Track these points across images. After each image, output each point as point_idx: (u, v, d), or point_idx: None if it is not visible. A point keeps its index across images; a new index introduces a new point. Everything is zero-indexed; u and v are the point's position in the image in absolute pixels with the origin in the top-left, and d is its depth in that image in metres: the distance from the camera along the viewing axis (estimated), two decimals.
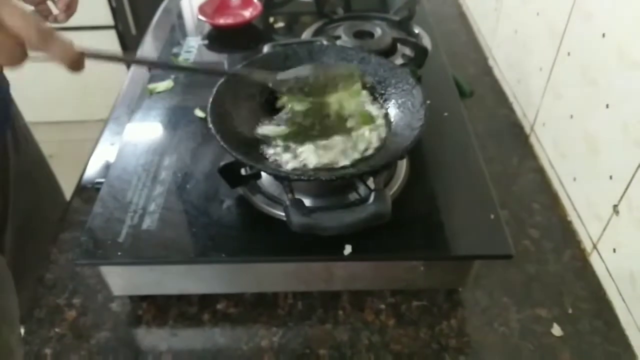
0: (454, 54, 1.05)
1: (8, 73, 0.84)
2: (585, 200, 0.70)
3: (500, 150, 0.85)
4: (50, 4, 0.74)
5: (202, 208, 0.60)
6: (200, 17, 0.93)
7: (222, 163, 0.57)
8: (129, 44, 1.89)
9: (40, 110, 2.07)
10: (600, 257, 0.66)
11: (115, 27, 1.85)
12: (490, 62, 1.04)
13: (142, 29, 1.60)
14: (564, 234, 0.72)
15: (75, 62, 0.49)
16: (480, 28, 1.11)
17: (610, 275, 0.64)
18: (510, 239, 0.56)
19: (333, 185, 0.60)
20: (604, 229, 0.65)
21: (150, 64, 0.87)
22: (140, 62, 0.86)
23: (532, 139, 0.86)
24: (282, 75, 0.60)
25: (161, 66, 0.84)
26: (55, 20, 0.74)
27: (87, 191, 0.74)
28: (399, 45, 0.86)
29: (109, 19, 1.84)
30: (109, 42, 1.87)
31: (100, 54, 0.52)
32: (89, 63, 0.48)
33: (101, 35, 1.85)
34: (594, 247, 0.67)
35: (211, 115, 0.57)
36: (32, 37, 0.45)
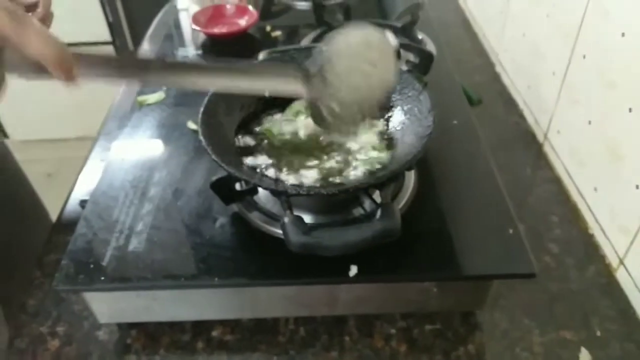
0: (458, 61, 1.01)
1: None
2: (608, 211, 0.65)
3: (512, 160, 0.81)
4: None
5: (194, 227, 0.55)
6: (194, 26, 0.89)
7: (214, 177, 0.52)
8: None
9: (38, 128, 2.05)
10: (628, 272, 0.61)
11: (113, 42, 1.83)
12: (498, 69, 1.00)
13: (139, 44, 1.58)
14: (586, 249, 0.67)
15: (64, 63, 0.40)
16: (486, 33, 1.07)
17: None
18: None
19: (336, 200, 0.55)
20: (632, 242, 0.60)
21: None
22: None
23: (546, 148, 0.81)
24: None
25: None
26: None
27: (74, 210, 0.69)
28: (402, 52, 0.82)
29: (106, 35, 1.82)
30: None
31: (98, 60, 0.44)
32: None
33: (99, 51, 1.83)
34: (621, 262, 0.62)
35: (202, 126, 0.53)
36: (6, 28, 0.37)
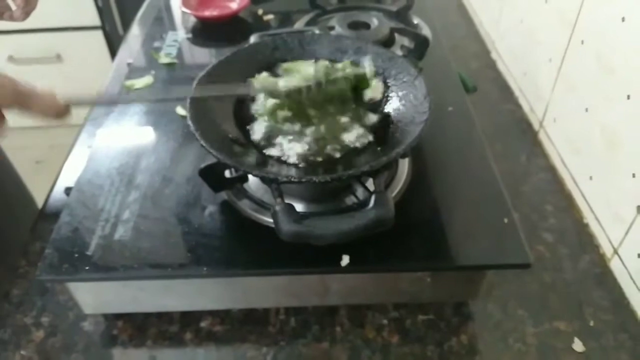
0: (454, 47, 0.99)
1: None
2: (604, 200, 0.64)
3: (507, 148, 0.80)
4: (9, 0, 0.68)
5: (182, 215, 0.53)
6: (184, 9, 0.87)
7: (203, 164, 0.51)
8: (115, 44, 1.83)
9: None
10: (622, 262, 0.60)
11: (102, 27, 1.79)
12: (494, 55, 0.99)
13: (128, 28, 1.55)
14: (580, 238, 0.66)
15: (61, 113, 0.48)
16: (482, 20, 1.06)
17: (634, 282, 0.58)
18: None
19: (327, 187, 0.54)
20: (627, 232, 0.59)
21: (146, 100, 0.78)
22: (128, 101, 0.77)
23: (542, 136, 0.80)
24: (262, 84, 0.54)
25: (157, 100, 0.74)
26: (12, 17, 0.67)
27: (60, 198, 0.68)
28: (397, 37, 0.80)
29: (95, 20, 1.78)
30: (96, 42, 1.81)
31: (86, 100, 0.53)
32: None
33: (88, 36, 1.79)
34: (615, 251, 0.62)
35: (190, 110, 0.51)
36: (8, 100, 0.44)
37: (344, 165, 0.52)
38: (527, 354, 0.54)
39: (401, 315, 0.57)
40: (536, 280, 0.61)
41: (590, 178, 0.67)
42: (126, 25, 1.77)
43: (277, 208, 0.44)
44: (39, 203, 0.89)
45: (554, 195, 0.72)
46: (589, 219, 0.67)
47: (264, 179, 0.47)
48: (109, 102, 0.70)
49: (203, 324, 0.55)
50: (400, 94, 0.58)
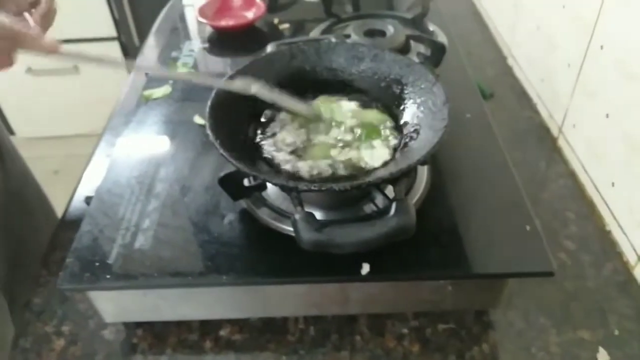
0: (469, 54, 0.99)
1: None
2: (626, 207, 0.63)
3: (526, 155, 0.79)
4: (27, 16, 0.69)
5: (202, 224, 0.54)
6: (200, 18, 0.88)
7: (222, 173, 0.51)
8: (132, 55, 1.85)
9: (44, 125, 2.04)
10: None
11: (118, 38, 1.82)
12: (510, 62, 0.98)
13: (145, 40, 1.58)
14: (603, 246, 0.65)
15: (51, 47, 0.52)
16: (497, 26, 1.05)
17: None
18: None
19: (346, 195, 0.54)
20: None
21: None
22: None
23: (561, 142, 0.79)
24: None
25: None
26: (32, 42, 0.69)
27: (80, 207, 0.68)
28: (412, 44, 0.80)
29: (111, 31, 1.80)
30: (112, 53, 1.83)
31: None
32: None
33: (104, 47, 1.82)
34: (639, 259, 0.60)
35: (209, 120, 0.51)
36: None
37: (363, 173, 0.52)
38: None
39: (421, 324, 0.56)
40: (558, 289, 0.60)
41: (612, 184, 0.66)
42: (142, 36, 1.80)
43: (297, 217, 0.44)
44: (58, 212, 0.90)
45: (575, 202, 0.71)
46: (611, 225, 0.66)
47: (283, 188, 0.47)
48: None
49: (222, 333, 0.55)
50: (418, 100, 0.57)
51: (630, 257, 0.62)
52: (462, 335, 0.55)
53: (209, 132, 0.50)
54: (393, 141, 0.56)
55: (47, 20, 0.69)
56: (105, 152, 0.74)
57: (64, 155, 2.00)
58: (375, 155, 0.54)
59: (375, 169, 0.53)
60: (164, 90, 0.74)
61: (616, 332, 0.56)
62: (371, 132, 0.57)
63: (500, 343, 0.55)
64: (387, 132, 0.57)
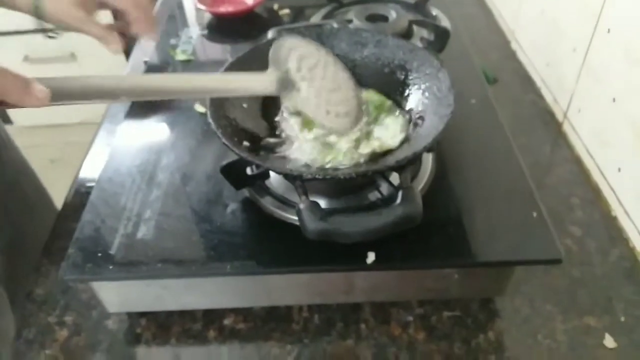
0: (472, 38, 0.97)
1: None
2: (633, 193, 0.62)
3: (530, 140, 0.78)
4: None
5: (204, 213, 0.53)
6: (199, 5, 0.86)
7: (224, 162, 0.50)
8: (130, 41, 1.83)
9: (41, 113, 2.02)
10: None
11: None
12: (514, 46, 0.97)
13: None
14: (609, 231, 0.64)
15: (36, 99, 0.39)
16: (501, 10, 1.04)
17: None
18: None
19: (352, 183, 0.53)
20: None
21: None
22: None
23: (566, 127, 0.78)
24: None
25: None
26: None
27: (80, 196, 0.67)
28: (415, 29, 0.79)
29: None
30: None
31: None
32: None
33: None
34: None
35: (211, 107, 0.50)
36: None
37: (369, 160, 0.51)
38: (557, 350, 0.53)
39: (426, 312, 0.56)
40: (564, 275, 0.59)
41: (619, 170, 0.65)
42: None
43: (302, 206, 0.43)
44: (55, 201, 0.89)
45: (580, 187, 0.70)
46: (617, 211, 0.66)
47: (287, 176, 0.46)
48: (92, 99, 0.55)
49: (226, 322, 0.55)
50: (423, 86, 0.56)
51: (636, 243, 0.62)
52: (468, 323, 0.55)
53: (210, 121, 0.49)
54: (402, 118, 0.56)
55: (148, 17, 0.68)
56: (105, 141, 0.73)
57: (61, 143, 1.99)
58: (389, 133, 0.53)
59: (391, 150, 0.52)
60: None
61: (622, 319, 0.55)
62: (379, 107, 0.56)
63: (506, 330, 0.54)
64: (392, 107, 0.57)
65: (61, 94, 0.41)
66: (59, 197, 0.75)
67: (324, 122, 0.52)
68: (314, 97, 0.52)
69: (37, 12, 0.66)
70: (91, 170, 0.69)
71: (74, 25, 0.67)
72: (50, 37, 0.71)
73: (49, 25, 0.68)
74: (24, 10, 0.67)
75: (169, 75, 0.68)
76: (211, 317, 0.55)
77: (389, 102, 0.57)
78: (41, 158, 1.83)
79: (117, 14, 0.72)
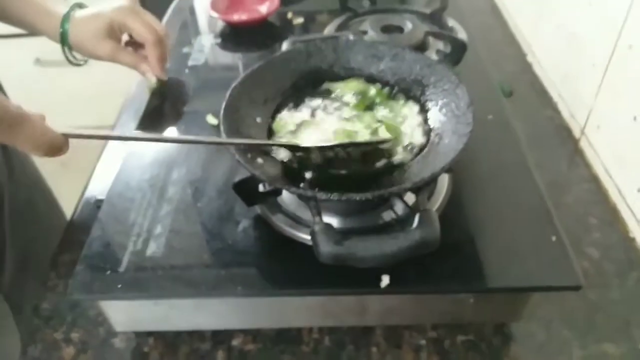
0: (488, 50, 0.95)
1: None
2: None
3: (546, 156, 0.76)
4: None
5: (215, 230, 0.52)
6: (212, 13, 0.85)
7: (237, 178, 0.49)
8: None
9: (51, 117, 2.02)
10: None
11: None
12: (529, 58, 0.95)
13: None
14: (627, 254, 0.63)
15: (55, 148, 0.43)
16: (517, 22, 1.02)
17: None
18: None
19: (366, 203, 0.52)
20: None
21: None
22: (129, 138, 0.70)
23: (583, 144, 0.76)
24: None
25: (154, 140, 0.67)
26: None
27: (89, 207, 0.67)
28: (431, 40, 0.77)
29: None
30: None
31: (87, 135, 0.46)
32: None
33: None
34: None
35: (224, 123, 0.49)
36: None
37: (385, 179, 0.50)
38: None
39: (439, 336, 0.54)
40: (581, 299, 0.58)
41: (638, 190, 0.63)
42: None
43: (316, 228, 0.42)
44: (64, 207, 0.89)
45: (598, 207, 0.68)
46: (635, 233, 0.64)
47: (301, 197, 0.45)
48: (114, 139, 0.67)
49: (235, 343, 0.54)
50: (440, 102, 0.55)
51: None
52: (482, 348, 0.53)
53: (224, 135, 0.48)
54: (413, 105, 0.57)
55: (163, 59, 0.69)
56: (115, 150, 0.72)
57: (72, 147, 1.98)
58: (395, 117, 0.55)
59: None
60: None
61: None
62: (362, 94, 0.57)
63: (522, 356, 0.53)
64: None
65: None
66: (68, 202, 0.74)
67: None
68: None
69: (63, 39, 0.65)
70: (101, 178, 0.68)
71: (106, 59, 0.67)
72: (75, 64, 0.71)
73: (77, 55, 0.68)
74: (51, 36, 0.67)
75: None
76: (220, 337, 0.54)
77: (382, 91, 0.58)
78: (51, 162, 1.83)
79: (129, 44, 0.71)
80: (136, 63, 0.69)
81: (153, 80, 0.70)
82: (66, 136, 0.44)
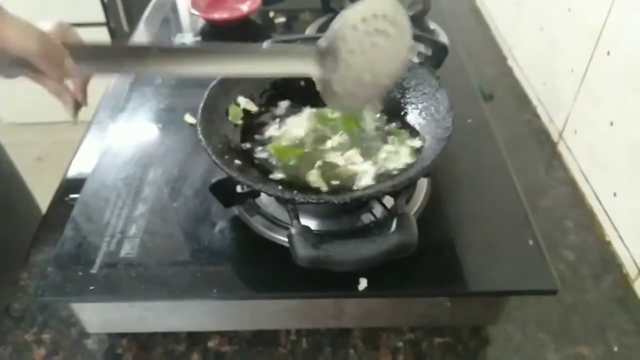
0: (468, 53, 0.96)
1: None
2: (628, 218, 0.62)
3: (524, 160, 0.77)
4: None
5: (191, 231, 0.51)
6: (193, 10, 0.84)
7: (214, 180, 0.48)
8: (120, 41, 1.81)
9: (29, 111, 1.99)
10: None
11: (107, 23, 1.77)
12: (510, 62, 0.96)
13: (134, 25, 1.53)
14: (602, 257, 0.63)
15: (50, 47, 0.37)
16: (498, 25, 1.03)
17: None
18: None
19: (345, 206, 0.52)
20: None
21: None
22: None
23: (561, 147, 0.77)
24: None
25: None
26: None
27: (64, 205, 0.65)
28: (413, 43, 0.77)
29: (100, 16, 1.75)
30: (101, 39, 1.78)
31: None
32: None
33: (92, 32, 1.77)
34: None
35: (201, 124, 0.48)
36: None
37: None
38: None
39: (417, 338, 0.54)
40: (557, 302, 0.58)
41: (614, 194, 0.64)
42: (131, 22, 1.75)
43: (294, 231, 0.42)
44: (40, 203, 0.87)
45: (574, 210, 0.69)
46: (611, 236, 0.65)
47: (279, 199, 0.44)
48: (120, 67, 0.46)
49: (211, 344, 0.53)
50: (420, 106, 0.55)
51: (630, 269, 0.61)
52: (459, 350, 0.53)
53: (200, 137, 0.47)
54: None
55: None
56: (91, 147, 0.71)
57: (49, 142, 1.95)
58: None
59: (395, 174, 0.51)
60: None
61: (615, 349, 0.54)
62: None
63: (498, 359, 0.53)
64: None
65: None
66: (44, 197, 0.72)
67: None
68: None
69: None
70: (77, 174, 0.67)
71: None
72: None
73: None
74: None
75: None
76: (195, 338, 0.53)
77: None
78: (27, 156, 1.79)
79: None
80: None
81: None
82: (66, 46, 0.38)
